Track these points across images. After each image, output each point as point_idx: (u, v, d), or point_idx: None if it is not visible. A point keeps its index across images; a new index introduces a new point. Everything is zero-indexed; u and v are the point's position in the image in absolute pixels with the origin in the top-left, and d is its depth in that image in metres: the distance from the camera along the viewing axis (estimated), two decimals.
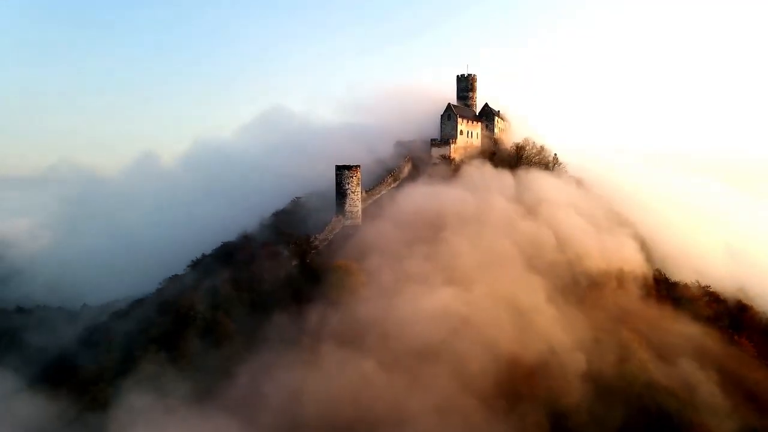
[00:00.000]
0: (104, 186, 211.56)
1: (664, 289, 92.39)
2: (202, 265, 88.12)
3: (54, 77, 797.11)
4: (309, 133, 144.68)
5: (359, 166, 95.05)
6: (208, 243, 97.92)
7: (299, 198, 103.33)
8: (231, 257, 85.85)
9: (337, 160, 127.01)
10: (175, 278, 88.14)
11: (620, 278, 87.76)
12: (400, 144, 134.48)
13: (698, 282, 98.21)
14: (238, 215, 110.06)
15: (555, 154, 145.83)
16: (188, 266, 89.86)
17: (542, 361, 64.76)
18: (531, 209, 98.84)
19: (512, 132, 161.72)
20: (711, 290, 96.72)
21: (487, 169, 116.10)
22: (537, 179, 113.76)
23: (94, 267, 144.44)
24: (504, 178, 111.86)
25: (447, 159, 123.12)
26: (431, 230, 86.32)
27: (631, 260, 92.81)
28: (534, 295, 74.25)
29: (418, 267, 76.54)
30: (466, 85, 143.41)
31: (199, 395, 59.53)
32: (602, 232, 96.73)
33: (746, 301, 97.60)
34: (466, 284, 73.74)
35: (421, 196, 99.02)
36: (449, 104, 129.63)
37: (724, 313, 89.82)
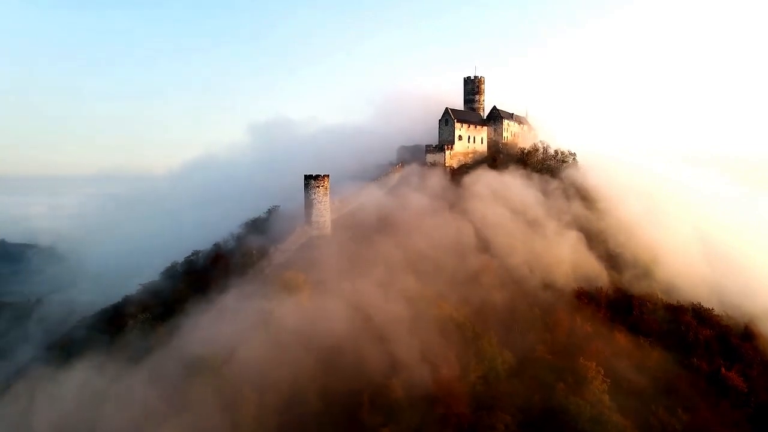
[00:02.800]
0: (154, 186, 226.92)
1: (614, 304, 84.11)
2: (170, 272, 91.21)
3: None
4: (310, 139, 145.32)
5: (327, 175, 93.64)
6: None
7: (277, 206, 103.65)
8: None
9: (335, 165, 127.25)
10: (149, 285, 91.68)
11: (551, 285, 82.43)
12: (403, 149, 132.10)
13: (699, 303, 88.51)
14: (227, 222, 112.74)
15: (573, 157, 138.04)
16: (161, 273, 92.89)
17: (375, 377, 60.25)
18: (457, 212, 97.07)
19: (532, 136, 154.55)
20: (713, 314, 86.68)
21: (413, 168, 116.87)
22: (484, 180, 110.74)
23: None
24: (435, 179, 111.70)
25: (442, 166, 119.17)
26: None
27: (565, 267, 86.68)
28: (396, 302, 70.00)
29: None
30: (472, 87, 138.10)
31: None
32: (540, 236, 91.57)
33: (755, 328, 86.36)
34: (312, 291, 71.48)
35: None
36: (447, 108, 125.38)
37: (716, 340, 79.72)
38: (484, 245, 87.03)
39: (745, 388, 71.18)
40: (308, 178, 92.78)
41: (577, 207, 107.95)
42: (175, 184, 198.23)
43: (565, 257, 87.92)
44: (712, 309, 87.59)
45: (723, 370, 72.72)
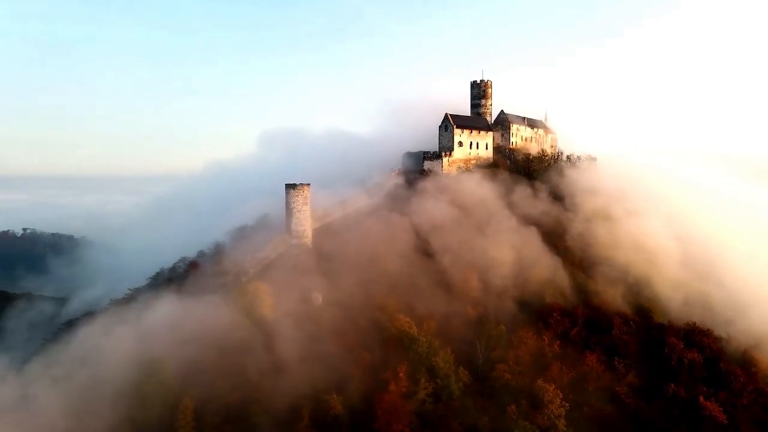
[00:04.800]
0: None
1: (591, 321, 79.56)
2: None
3: None
4: (319, 146, 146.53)
5: (308, 184, 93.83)
6: None
7: (267, 214, 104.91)
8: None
9: (341, 172, 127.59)
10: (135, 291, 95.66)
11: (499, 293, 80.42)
12: (408, 155, 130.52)
13: (693, 323, 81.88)
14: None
15: (592, 161, 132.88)
16: (149, 278, 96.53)
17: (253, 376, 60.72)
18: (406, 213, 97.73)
19: (550, 140, 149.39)
20: (711, 335, 79.82)
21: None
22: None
23: None
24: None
25: (439, 173, 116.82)
26: None
27: (506, 269, 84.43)
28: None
29: None
30: (479, 92, 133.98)
31: None
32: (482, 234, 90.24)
33: (755, 353, 78.69)
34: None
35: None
36: (446, 114, 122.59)
37: (704, 364, 73.31)
38: (424, 246, 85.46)
39: (724, 419, 65.34)
40: (288, 187, 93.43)
41: (545, 205, 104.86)
42: (190, 189, 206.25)
43: (507, 257, 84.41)
44: (709, 330, 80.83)
45: (701, 398, 67.01)
